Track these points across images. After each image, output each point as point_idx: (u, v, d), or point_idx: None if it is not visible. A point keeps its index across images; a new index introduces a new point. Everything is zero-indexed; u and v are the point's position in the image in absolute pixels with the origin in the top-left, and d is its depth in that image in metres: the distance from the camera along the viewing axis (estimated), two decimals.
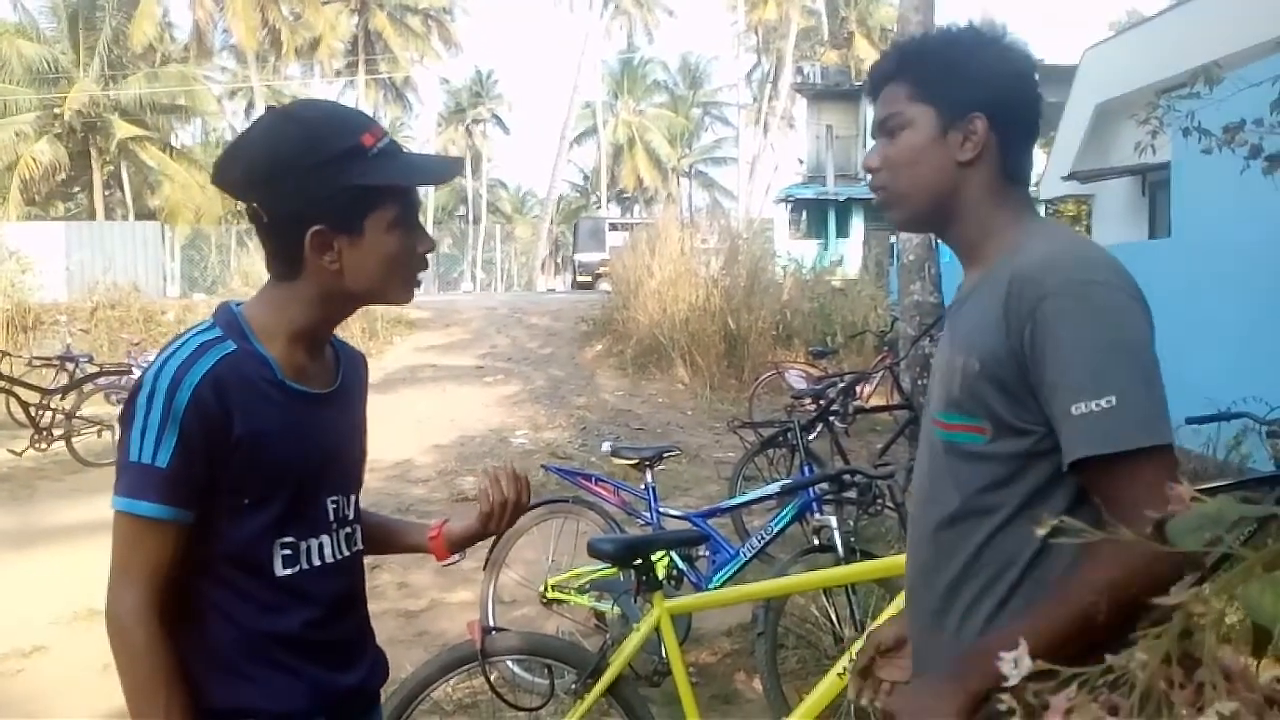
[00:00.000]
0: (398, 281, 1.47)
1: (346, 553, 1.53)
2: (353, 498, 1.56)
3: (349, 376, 1.59)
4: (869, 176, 1.54)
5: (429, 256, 1.51)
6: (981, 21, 1.54)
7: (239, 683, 1.42)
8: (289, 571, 1.45)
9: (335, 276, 1.42)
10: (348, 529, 1.54)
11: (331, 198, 1.37)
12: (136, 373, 7.57)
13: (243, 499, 1.40)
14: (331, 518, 1.51)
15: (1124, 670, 0.79)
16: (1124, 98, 14.21)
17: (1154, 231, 14.72)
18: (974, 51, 1.48)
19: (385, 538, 1.74)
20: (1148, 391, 1.27)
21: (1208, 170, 6.32)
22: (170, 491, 1.33)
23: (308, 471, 1.46)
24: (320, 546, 1.48)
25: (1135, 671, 0.78)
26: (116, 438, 1.40)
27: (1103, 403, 1.25)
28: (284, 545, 1.44)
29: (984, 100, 1.43)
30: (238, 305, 1.47)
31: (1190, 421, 4.76)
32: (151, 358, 1.40)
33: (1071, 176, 16.59)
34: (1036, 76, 1.50)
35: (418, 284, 1.51)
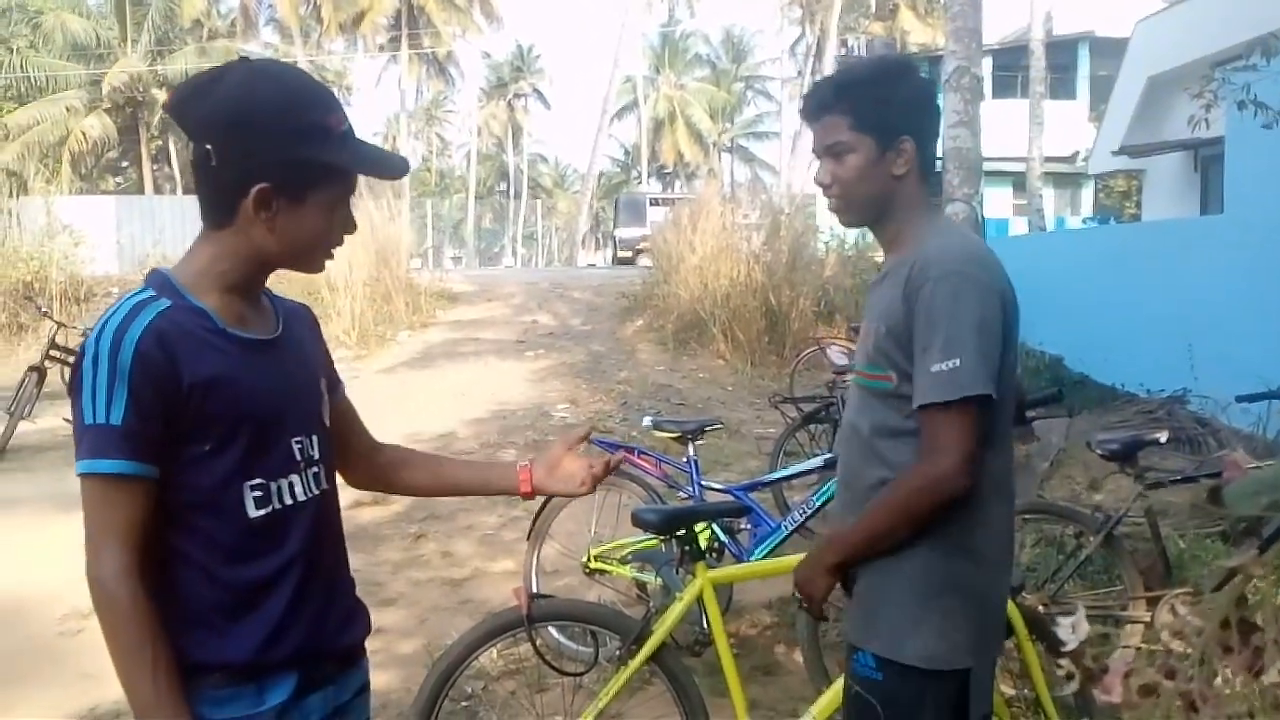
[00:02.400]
0: (317, 255, 1.53)
1: (315, 491, 1.56)
2: (315, 438, 1.58)
3: (292, 326, 1.61)
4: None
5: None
6: (898, 54, 2.19)
7: (211, 637, 1.43)
8: (262, 512, 1.46)
9: (264, 234, 1.45)
10: (315, 468, 1.56)
11: (288, 164, 1.42)
12: None
13: (203, 446, 1.41)
14: (298, 457, 1.53)
15: (1180, 632, 0.79)
16: (1177, 70, 13.90)
17: (1206, 208, 14.43)
18: (898, 84, 1.90)
19: (463, 479, 1.86)
20: (980, 360, 1.73)
21: (1263, 145, 6.18)
22: (129, 447, 1.35)
23: (265, 413, 1.48)
24: (291, 486, 1.51)
25: (1193, 636, 0.79)
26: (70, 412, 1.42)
27: (949, 364, 1.73)
28: (254, 487, 1.46)
29: (910, 125, 1.89)
30: (167, 268, 1.51)
31: (1240, 400, 4.69)
32: None
33: (1122, 151, 16.27)
34: (938, 93, 2.00)
35: (330, 258, 1.56)
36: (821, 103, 1.92)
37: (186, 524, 1.43)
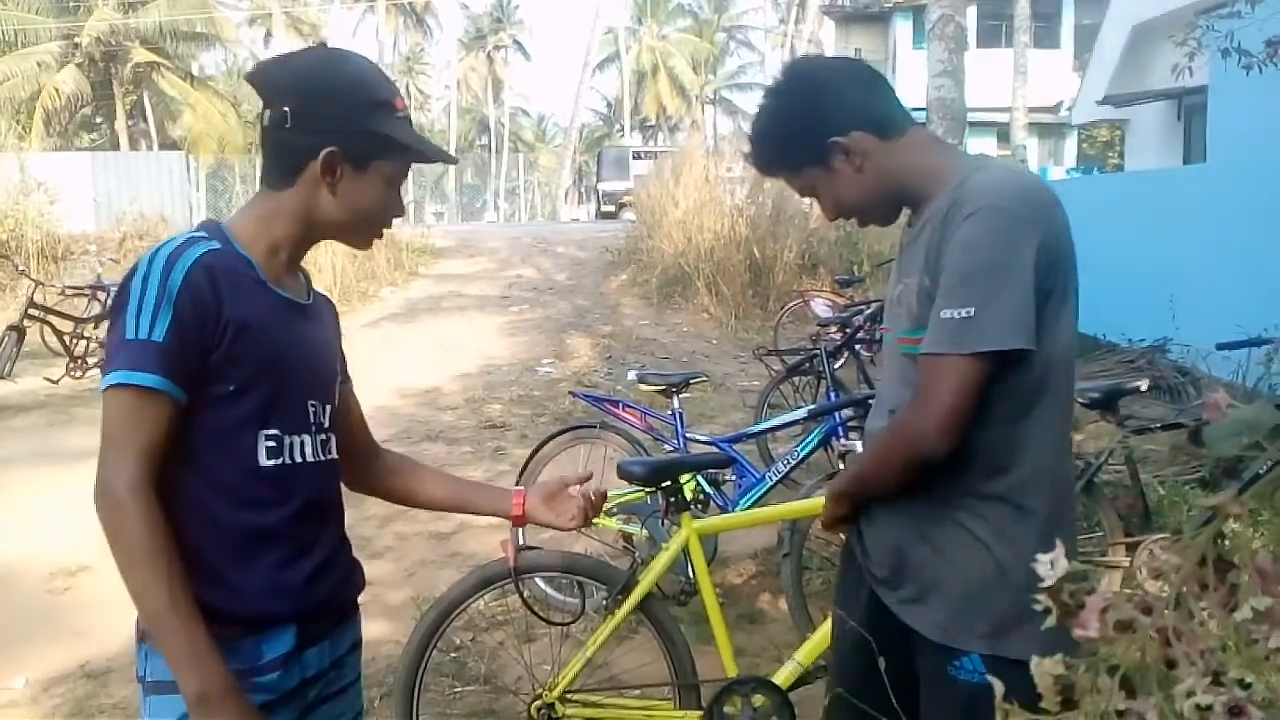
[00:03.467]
0: (368, 229, 1.61)
1: (323, 456, 1.60)
2: (329, 407, 1.63)
3: (320, 305, 1.69)
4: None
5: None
6: (782, 74, 1.85)
7: (212, 584, 1.45)
8: (273, 463, 1.50)
9: (326, 198, 1.53)
10: (324, 435, 1.61)
11: (357, 132, 1.51)
12: None
13: (227, 386, 1.45)
14: (311, 419, 1.58)
15: (1159, 572, 0.81)
16: (1161, 19, 13.83)
17: (1189, 157, 14.43)
18: (798, 115, 1.78)
19: (459, 496, 1.88)
20: (1001, 310, 1.52)
21: (1246, 94, 6.17)
22: (167, 364, 1.38)
23: (289, 368, 1.53)
24: (302, 444, 1.55)
25: (1170, 574, 0.80)
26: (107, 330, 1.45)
27: (961, 312, 1.54)
28: (269, 437, 1.50)
29: (833, 126, 1.73)
30: (221, 221, 1.57)
31: (1221, 347, 4.72)
32: None
33: (1105, 101, 16.22)
34: (852, 67, 1.83)
35: (379, 236, 1.65)
36: (761, 167, 1.91)
37: (197, 463, 1.45)
